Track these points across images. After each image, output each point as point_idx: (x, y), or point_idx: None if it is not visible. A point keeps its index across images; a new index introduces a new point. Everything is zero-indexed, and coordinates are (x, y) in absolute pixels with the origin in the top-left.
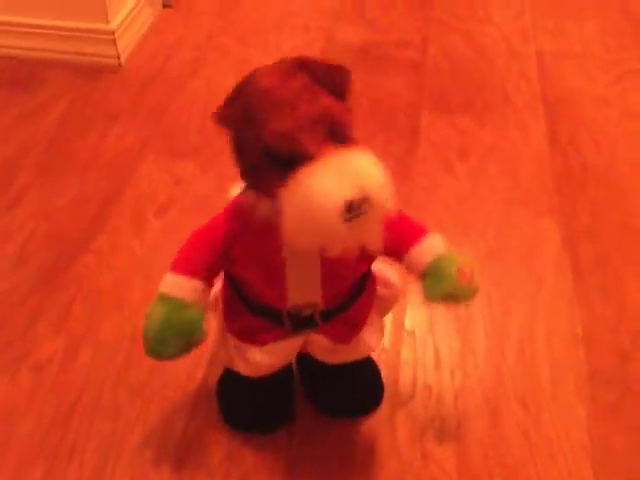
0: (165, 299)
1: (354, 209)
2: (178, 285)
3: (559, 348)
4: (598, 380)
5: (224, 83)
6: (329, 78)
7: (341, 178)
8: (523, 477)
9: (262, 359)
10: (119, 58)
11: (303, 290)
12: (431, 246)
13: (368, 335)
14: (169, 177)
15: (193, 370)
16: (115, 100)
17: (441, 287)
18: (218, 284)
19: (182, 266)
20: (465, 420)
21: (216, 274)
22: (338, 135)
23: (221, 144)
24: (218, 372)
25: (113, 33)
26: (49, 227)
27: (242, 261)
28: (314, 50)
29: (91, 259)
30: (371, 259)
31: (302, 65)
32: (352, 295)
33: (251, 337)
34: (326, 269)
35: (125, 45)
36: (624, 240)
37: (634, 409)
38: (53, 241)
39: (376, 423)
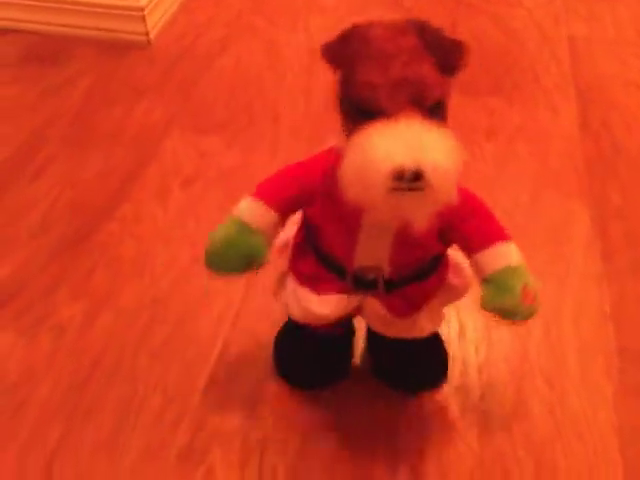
0: (236, 221)
1: (405, 179)
2: (253, 211)
3: (587, 326)
4: (627, 358)
5: (252, 62)
6: (441, 49)
7: (402, 143)
8: (549, 453)
9: (316, 308)
10: (148, 35)
11: (371, 253)
12: (505, 254)
13: (424, 319)
14: (194, 151)
15: (213, 335)
16: (142, 76)
17: (502, 300)
18: (291, 230)
19: (263, 194)
20: (489, 394)
21: (293, 212)
22: (423, 105)
23: (247, 120)
24: (239, 336)
25: (142, 10)
26: (73, 196)
27: (323, 209)
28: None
29: (114, 227)
30: (448, 243)
31: (421, 28)
32: (420, 272)
33: (311, 284)
34: (399, 238)
35: (154, 22)
36: None
37: None
38: (77, 210)
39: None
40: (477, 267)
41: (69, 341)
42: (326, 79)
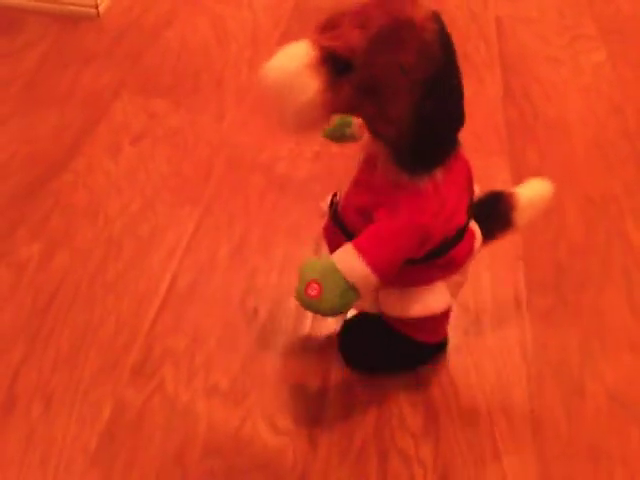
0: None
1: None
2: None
3: (500, 265)
4: (533, 289)
5: (198, 34)
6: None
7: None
8: (461, 366)
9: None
10: (97, 8)
11: (348, 183)
12: (341, 251)
13: (428, 295)
14: (143, 112)
15: (162, 269)
16: (92, 45)
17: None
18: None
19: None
20: None
21: None
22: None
23: (193, 85)
24: (186, 271)
25: None
26: (28, 151)
27: None
28: (286, 8)
29: (69, 177)
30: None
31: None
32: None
33: None
34: (355, 177)
35: None
36: (566, 176)
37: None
38: (32, 162)
39: None
40: None
41: (28, 275)
42: (269, 50)
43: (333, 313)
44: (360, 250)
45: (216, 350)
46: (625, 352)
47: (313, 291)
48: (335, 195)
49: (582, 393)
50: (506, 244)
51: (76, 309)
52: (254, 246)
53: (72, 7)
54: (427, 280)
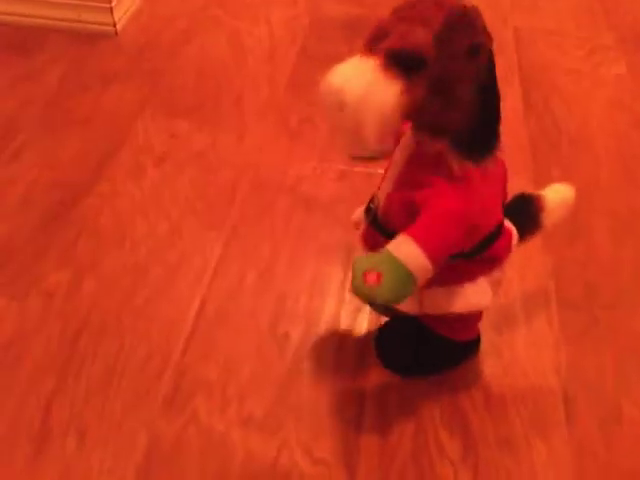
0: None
1: (328, 97)
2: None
3: (531, 282)
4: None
5: (216, 51)
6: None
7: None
8: (496, 390)
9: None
10: (115, 26)
11: (383, 187)
12: (396, 242)
13: (471, 291)
14: (165, 133)
15: (191, 295)
16: (111, 64)
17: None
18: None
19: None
20: None
21: None
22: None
23: (213, 104)
24: (215, 296)
25: (110, 2)
26: (52, 176)
27: None
28: (302, 23)
29: (94, 202)
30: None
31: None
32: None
33: None
34: (397, 183)
35: (122, 13)
36: (592, 192)
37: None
38: (56, 187)
39: None
40: None
41: (58, 304)
42: (287, 66)
43: (394, 300)
44: (415, 237)
45: (249, 378)
46: None
47: (372, 278)
48: (371, 201)
49: (619, 418)
50: (536, 262)
51: (106, 337)
52: (282, 269)
53: (90, 25)
54: (470, 277)
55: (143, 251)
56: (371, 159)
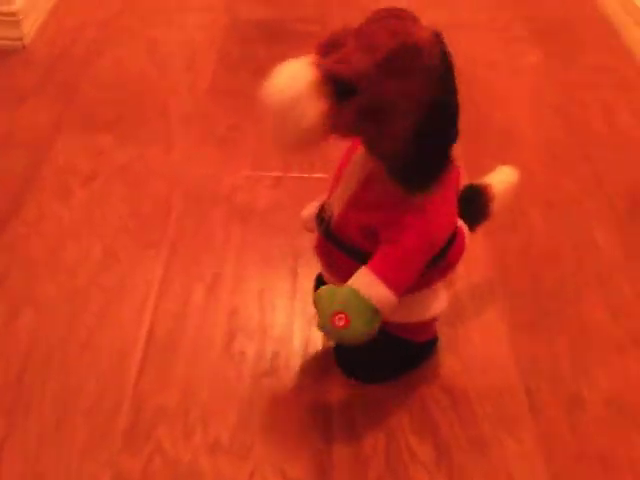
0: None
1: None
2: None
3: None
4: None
5: (133, 60)
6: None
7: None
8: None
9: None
10: (22, 40)
11: (338, 195)
12: (358, 275)
13: (431, 299)
14: (88, 150)
15: (138, 320)
16: (22, 81)
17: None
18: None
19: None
20: None
21: None
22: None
23: (136, 116)
24: (163, 318)
25: (16, 15)
26: None
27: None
28: (219, 27)
29: (20, 229)
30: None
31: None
32: (352, 252)
33: None
34: (354, 197)
35: (29, 26)
36: (524, 182)
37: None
38: None
39: None
40: None
41: None
42: (208, 72)
43: (363, 339)
44: (380, 275)
45: (210, 402)
46: (613, 355)
47: (340, 321)
48: (322, 211)
49: (582, 404)
50: (479, 256)
51: (52, 373)
52: (228, 284)
53: None
54: (428, 284)
55: (79, 277)
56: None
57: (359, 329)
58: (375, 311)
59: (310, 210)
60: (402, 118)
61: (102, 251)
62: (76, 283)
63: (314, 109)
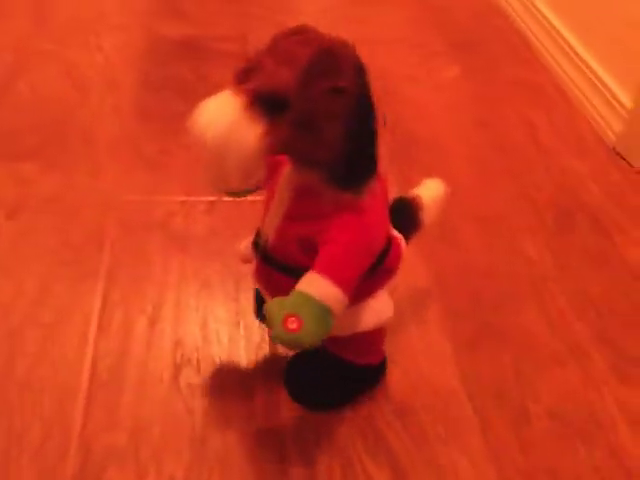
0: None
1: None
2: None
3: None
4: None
5: (52, 84)
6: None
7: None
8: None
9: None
10: None
11: (270, 221)
12: (306, 280)
13: (375, 306)
14: (11, 179)
15: (79, 355)
16: None
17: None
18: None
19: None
20: None
21: None
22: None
23: (59, 142)
24: (105, 352)
25: None
26: None
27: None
28: (137, 47)
29: None
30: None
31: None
32: (290, 270)
33: None
34: (286, 216)
35: None
36: (454, 197)
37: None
38: None
39: None
40: None
41: None
42: (131, 94)
43: (318, 341)
44: (325, 273)
45: (160, 438)
46: (553, 367)
47: (292, 324)
48: (258, 236)
49: (527, 418)
50: (417, 276)
51: None
52: (169, 313)
53: None
54: (371, 291)
55: (14, 315)
56: (242, 194)
57: (312, 329)
58: (325, 309)
59: (245, 242)
60: (335, 120)
61: (35, 286)
62: (11, 322)
63: (252, 133)
